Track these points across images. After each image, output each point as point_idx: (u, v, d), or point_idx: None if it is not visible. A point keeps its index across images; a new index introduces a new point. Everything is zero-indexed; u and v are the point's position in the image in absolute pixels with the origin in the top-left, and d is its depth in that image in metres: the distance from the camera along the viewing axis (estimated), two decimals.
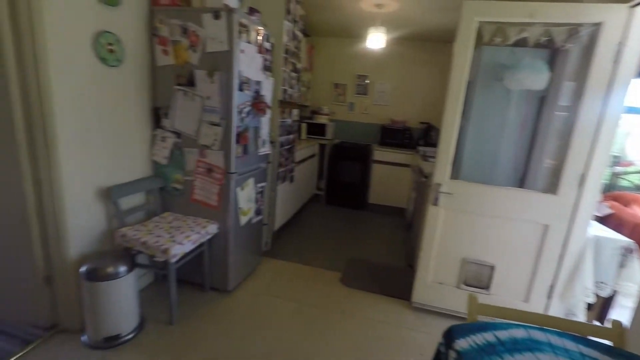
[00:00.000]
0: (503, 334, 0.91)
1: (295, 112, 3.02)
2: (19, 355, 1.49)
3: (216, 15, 1.72)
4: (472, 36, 1.78)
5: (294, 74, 2.82)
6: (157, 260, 1.65)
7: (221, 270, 2.08)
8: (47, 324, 1.66)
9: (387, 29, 3.20)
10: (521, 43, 1.80)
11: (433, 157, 2.46)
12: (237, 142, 1.90)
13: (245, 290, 2.18)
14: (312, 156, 4.06)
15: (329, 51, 4.44)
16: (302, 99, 3.61)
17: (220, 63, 1.78)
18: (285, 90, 2.65)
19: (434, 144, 3.58)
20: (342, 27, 3.82)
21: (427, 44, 4.11)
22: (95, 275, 1.52)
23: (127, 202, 1.88)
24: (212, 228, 1.95)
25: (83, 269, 1.53)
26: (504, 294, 2.00)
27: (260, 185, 2.34)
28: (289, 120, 2.84)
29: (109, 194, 1.72)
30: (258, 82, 2.05)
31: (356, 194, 4.17)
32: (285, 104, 2.65)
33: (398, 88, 4.33)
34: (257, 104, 2.03)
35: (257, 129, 2.14)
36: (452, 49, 1.85)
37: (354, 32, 4.02)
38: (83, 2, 1.48)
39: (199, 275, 2.11)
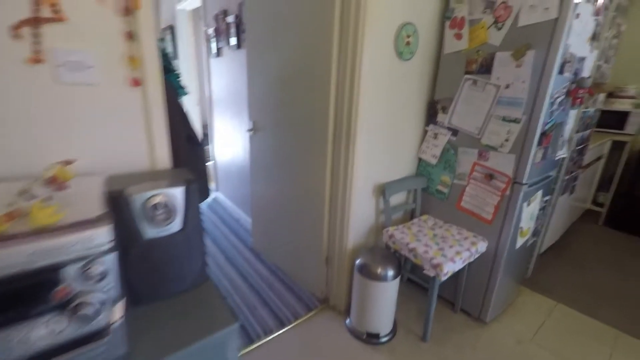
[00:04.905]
0: None
1: (601, 97, 2.11)
2: (304, 318, 1.76)
3: None
4: None
5: (614, 41, 1.92)
6: (426, 274, 1.49)
7: (479, 294, 1.73)
8: (321, 297, 1.89)
9: None
10: None
11: None
12: (539, 143, 1.42)
13: (505, 327, 1.74)
14: (597, 159, 2.89)
15: None
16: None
17: (537, 38, 1.32)
18: (598, 67, 1.84)
19: None
20: None
21: None
22: (367, 272, 1.53)
23: (393, 199, 1.84)
24: (482, 246, 1.61)
25: (358, 261, 1.58)
26: None
27: (545, 199, 1.76)
28: (590, 110, 2.01)
29: (383, 191, 1.71)
30: (581, 59, 1.44)
31: None
32: (593, 86, 1.86)
33: None
34: (575, 91, 1.43)
35: (560, 126, 1.55)
36: None
37: None
38: None
39: (450, 292, 1.86)
